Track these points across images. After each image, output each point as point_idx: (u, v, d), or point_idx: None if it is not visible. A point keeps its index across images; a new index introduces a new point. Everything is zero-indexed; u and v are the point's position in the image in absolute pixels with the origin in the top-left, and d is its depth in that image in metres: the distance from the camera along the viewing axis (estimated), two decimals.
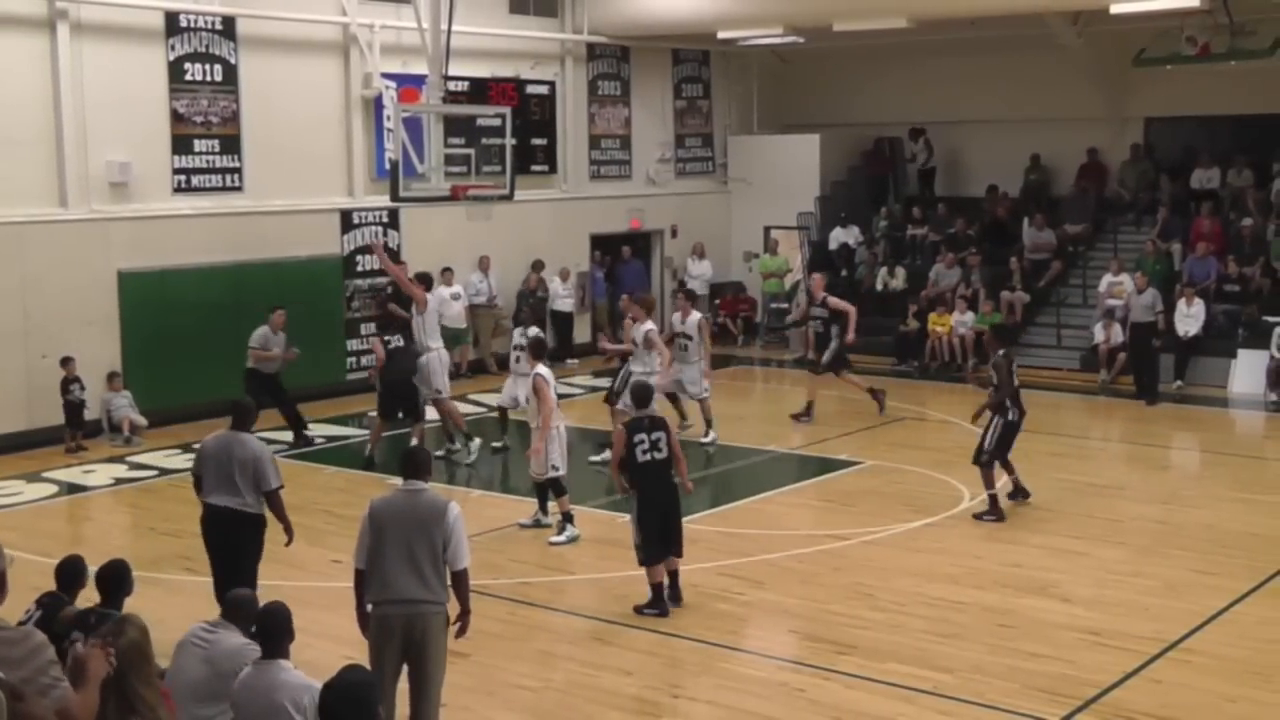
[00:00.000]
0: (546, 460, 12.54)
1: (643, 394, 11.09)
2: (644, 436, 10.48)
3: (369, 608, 7.73)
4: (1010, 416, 13.21)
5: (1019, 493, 13.56)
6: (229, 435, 9.72)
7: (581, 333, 23.55)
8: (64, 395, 16.64)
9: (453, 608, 7.79)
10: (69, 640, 6.90)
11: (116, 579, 7.38)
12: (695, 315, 16.70)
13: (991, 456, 13.20)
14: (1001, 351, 13.43)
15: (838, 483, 15.00)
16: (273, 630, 6.32)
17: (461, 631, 7.85)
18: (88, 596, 7.56)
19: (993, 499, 13.19)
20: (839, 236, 24.74)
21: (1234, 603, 10.74)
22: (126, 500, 14.85)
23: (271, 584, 9.62)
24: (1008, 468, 13.46)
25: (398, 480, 8.02)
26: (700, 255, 25.21)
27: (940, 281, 22.79)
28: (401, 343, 15.72)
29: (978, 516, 13.17)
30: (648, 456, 10.47)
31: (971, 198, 24.87)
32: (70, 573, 7.59)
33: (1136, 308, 19.69)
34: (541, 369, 12.71)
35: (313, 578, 11.20)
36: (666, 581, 10.67)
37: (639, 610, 10.55)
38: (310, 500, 13.68)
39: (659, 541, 10.54)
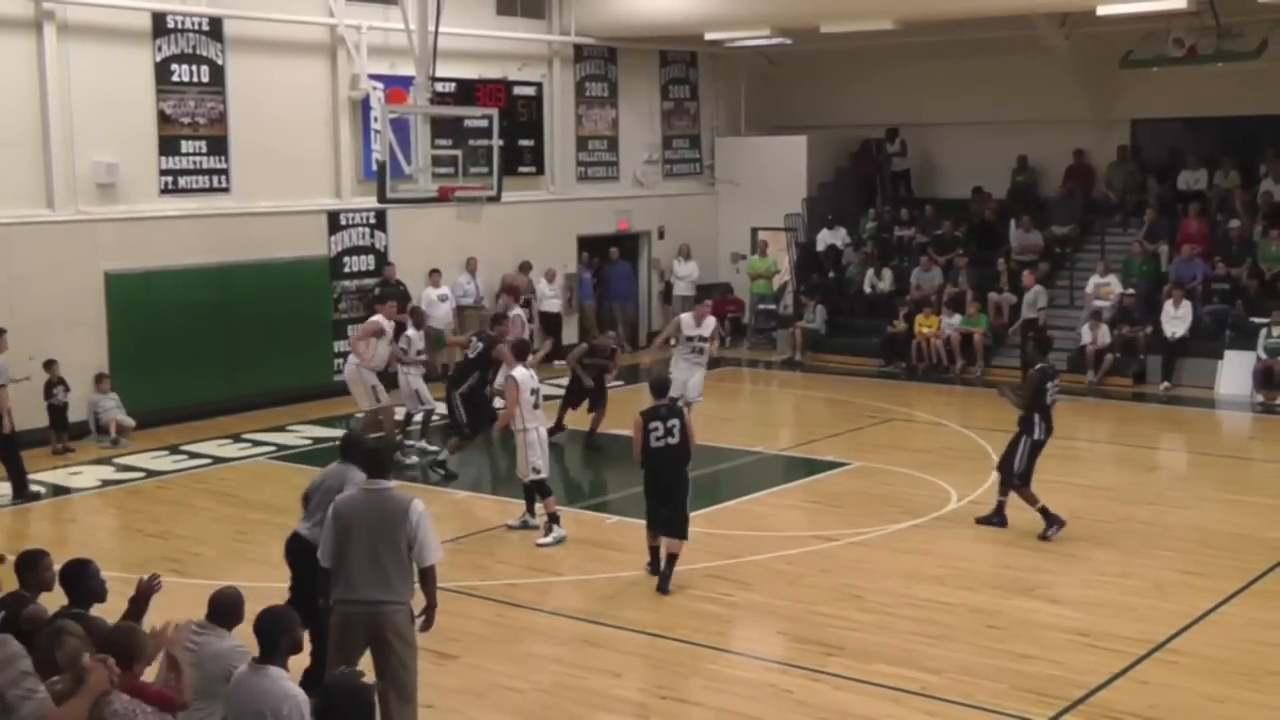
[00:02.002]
0: (528, 463, 12.59)
1: (659, 385, 11.80)
2: (659, 424, 11.15)
3: (332, 604, 7.70)
4: (1036, 435, 12.69)
5: (997, 516, 12.94)
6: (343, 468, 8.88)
7: (569, 334, 23.50)
8: (47, 398, 16.60)
9: (419, 602, 7.77)
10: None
11: (73, 577, 7.07)
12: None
13: (1024, 479, 12.68)
14: (1038, 366, 12.98)
15: (825, 484, 15.01)
16: (269, 632, 6.24)
17: (426, 625, 7.82)
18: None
19: (1044, 511, 12.62)
20: (826, 238, 24.78)
21: (1221, 603, 10.77)
22: (114, 502, 14.79)
23: (253, 585, 9.56)
24: (1002, 490, 12.95)
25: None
26: (687, 256, 25.20)
27: (922, 284, 22.83)
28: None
29: (1042, 537, 12.47)
30: (660, 442, 11.15)
31: (959, 199, 24.89)
32: (29, 568, 7.18)
33: (1025, 304, 20.63)
34: (517, 371, 12.66)
35: (284, 578, 11.07)
36: (663, 561, 11.21)
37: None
38: (290, 500, 13.57)
39: (656, 513, 11.32)
